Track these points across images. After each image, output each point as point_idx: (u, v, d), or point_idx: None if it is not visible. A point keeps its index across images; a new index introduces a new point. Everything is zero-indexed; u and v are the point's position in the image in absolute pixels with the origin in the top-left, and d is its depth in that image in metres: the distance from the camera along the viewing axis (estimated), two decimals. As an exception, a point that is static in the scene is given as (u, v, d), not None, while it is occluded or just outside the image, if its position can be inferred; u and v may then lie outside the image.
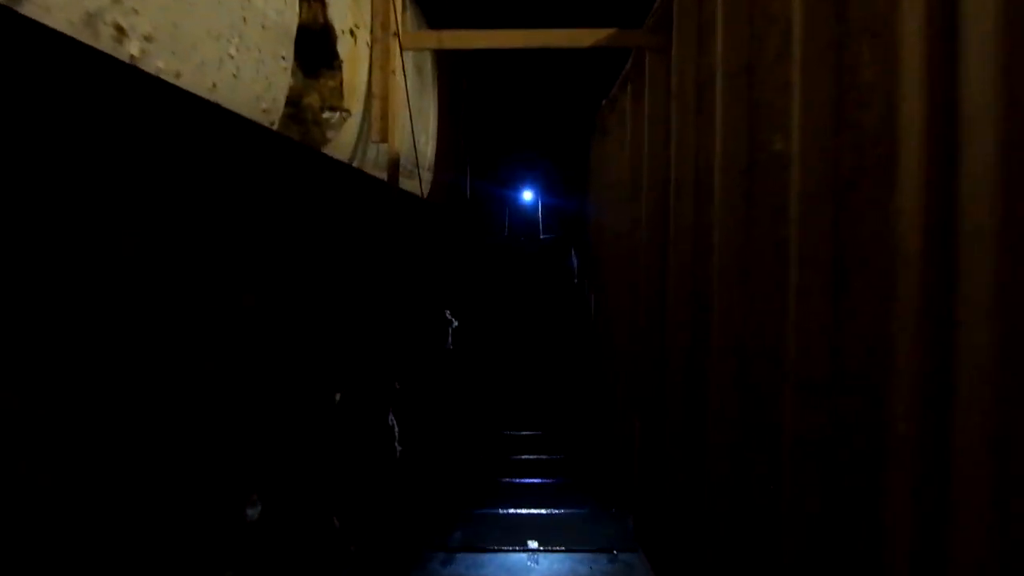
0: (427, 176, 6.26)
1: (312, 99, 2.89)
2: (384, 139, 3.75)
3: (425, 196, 6.33)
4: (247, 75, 2.33)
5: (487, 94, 9.02)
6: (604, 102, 6.14)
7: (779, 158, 2.15)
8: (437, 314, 6.00)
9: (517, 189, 10.49)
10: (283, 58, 2.63)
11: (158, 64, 1.84)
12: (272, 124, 2.63)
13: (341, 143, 3.43)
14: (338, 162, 3.20)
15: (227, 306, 1.89)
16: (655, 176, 3.78)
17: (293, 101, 2.84)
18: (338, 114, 3.20)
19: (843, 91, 1.73)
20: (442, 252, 6.86)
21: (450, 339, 6.13)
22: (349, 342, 2.96)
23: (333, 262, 2.98)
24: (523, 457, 5.61)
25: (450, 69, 7.18)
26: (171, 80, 1.92)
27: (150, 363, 1.46)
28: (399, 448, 3.84)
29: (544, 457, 5.61)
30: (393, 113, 3.75)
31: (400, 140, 4.42)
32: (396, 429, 3.85)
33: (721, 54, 2.50)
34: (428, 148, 6.23)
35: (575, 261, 9.41)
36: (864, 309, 1.62)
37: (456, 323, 6.23)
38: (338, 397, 2.63)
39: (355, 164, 3.81)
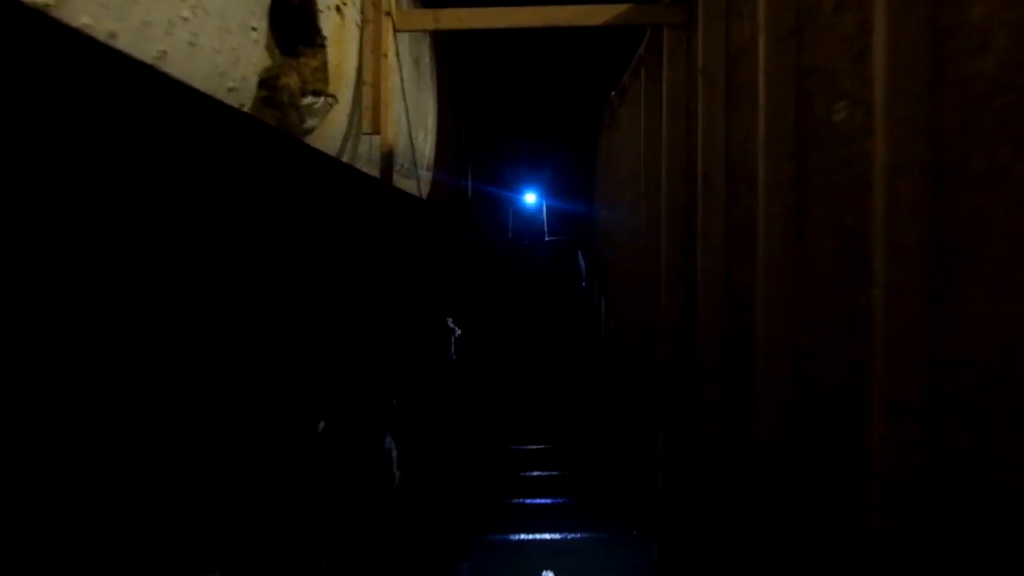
0: (426, 175, 5.92)
1: (290, 80, 2.54)
2: (376, 131, 3.40)
3: (424, 196, 5.99)
4: (207, 44, 1.97)
5: (488, 90, 8.68)
6: (613, 94, 5.80)
7: (841, 131, 1.79)
8: (438, 322, 5.63)
9: (520, 190, 10.14)
10: (253, 29, 2.28)
11: (83, 20, 1.49)
12: (242, 106, 2.28)
13: (327, 134, 3.08)
14: (322, 153, 2.85)
15: (174, 320, 1.54)
16: (675, 167, 3.42)
17: (268, 83, 2.49)
18: (322, 99, 2.84)
19: (942, 37, 1.37)
20: (443, 256, 6.50)
21: (453, 348, 5.78)
22: (336, 360, 2.60)
23: (316, 268, 2.62)
24: (532, 474, 5.24)
25: (449, 63, 6.85)
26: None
27: (61, 384, 1.11)
28: (397, 474, 3.48)
29: (555, 474, 5.24)
30: (386, 102, 3.40)
31: (395, 134, 4.07)
32: (394, 452, 3.49)
33: (764, 15, 2.15)
34: (427, 145, 5.88)
35: (583, 263, 9.05)
36: (981, 309, 1.25)
37: (459, 331, 5.87)
38: (322, 426, 2.27)
39: (345, 159, 3.46)
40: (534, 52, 8.00)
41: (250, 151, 2.19)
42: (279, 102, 2.44)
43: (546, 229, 10.03)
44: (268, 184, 2.28)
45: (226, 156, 2.02)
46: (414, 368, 4.61)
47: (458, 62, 7.33)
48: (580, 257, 9.33)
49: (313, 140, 2.93)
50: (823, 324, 1.85)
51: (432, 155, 6.08)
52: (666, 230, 3.46)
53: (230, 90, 2.18)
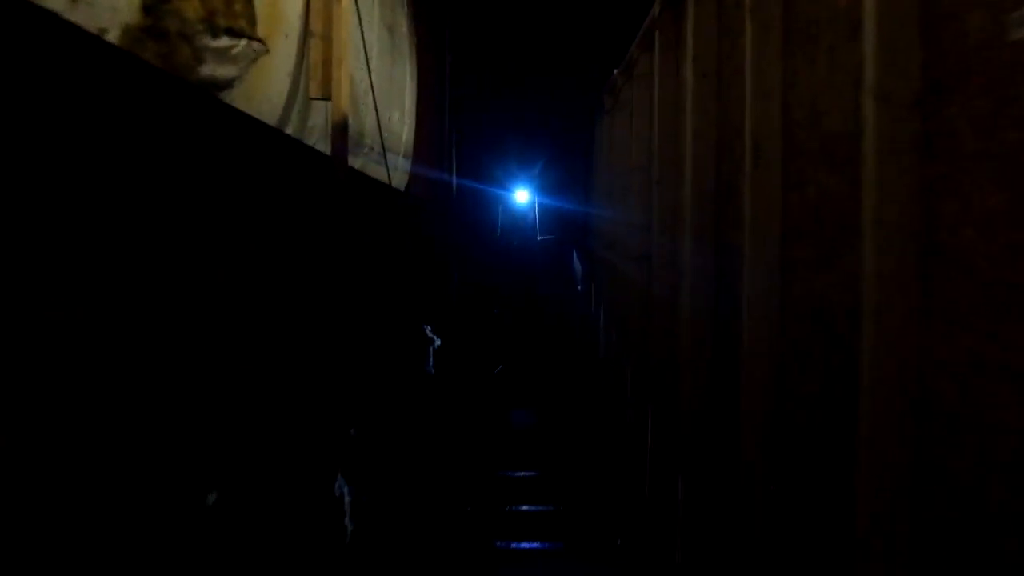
0: (403, 164, 5.20)
1: (186, 5, 1.81)
2: (327, 95, 2.68)
3: (402, 188, 5.27)
4: (12, -85, 1.25)
5: (475, 74, 7.95)
6: (616, 72, 5.10)
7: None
8: (414, 331, 4.92)
9: (510, 186, 9.41)
10: (116, -82, 1.56)
11: None
12: (103, 32, 1.55)
13: (257, 93, 2.36)
14: (225, 105, 2.11)
15: None
16: (704, 144, 2.73)
17: (154, 8, 1.77)
18: (243, 43, 2.13)
19: None
20: (422, 256, 5.79)
21: (431, 361, 5.06)
22: (248, 395, 1.90)
23: (216, 262, 1.90)
24: (522, 508, 4.54)
25: (431, 38, 6.13)
26: None
27: None
28: (350, 526, 2.76)
29: (548, 509, 4.54)
30: (339, 59, 2.68)
31: (353, 102, 3.36)
32: (347, 499, 2.77)
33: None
34: (404, 130, 5.16)
35: (578, 265, 8.35)
36: None
37: (439, 341, 5.16)
38: (213, 498, 1.55)
39: (289, 131, 2.74)
40: (525, 31, 7.30)
41: (92, 90, 1.46)
42: (165, 31, 1.71)
43: (538, 228, 9.32)
44: (132, 145, 1.55)
45: (46, 96, 1.30)
46: (381, 387, 3.89)
47: (440, 38, 6.61)
48: (575, 258, 8.62)
49: (234, 99, 2.20)
50: (999, 371, 1.16)
51: (410, 141, 5.35)
52: (691, 222, 2.76)
53: (74, 1, 1.46)
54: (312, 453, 2.63)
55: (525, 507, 4.57)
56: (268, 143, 2.32)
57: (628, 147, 4.65)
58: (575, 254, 8.64)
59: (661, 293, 3.44)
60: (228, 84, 2.11)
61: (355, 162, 3.91)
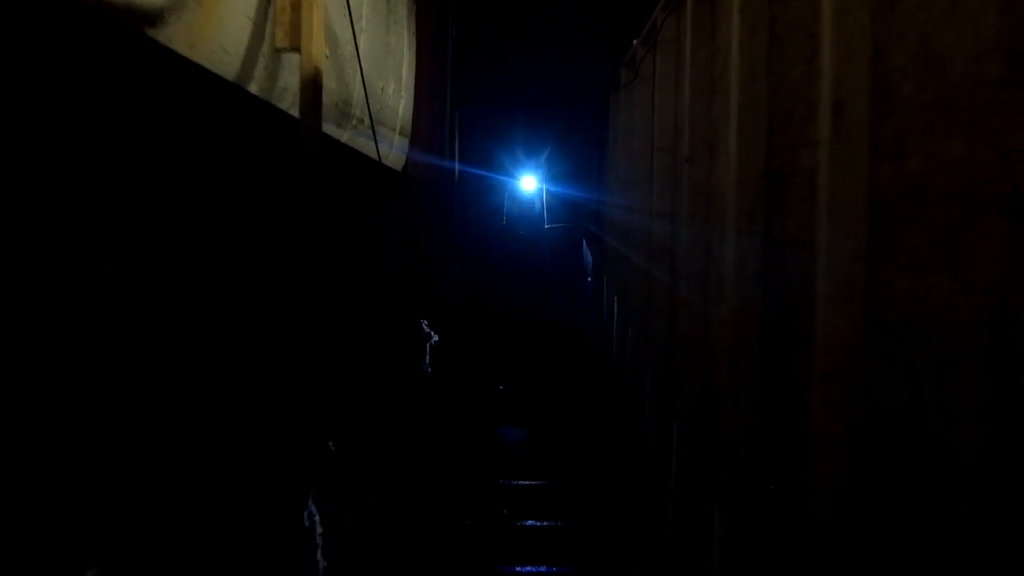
0: (399, 142, 4.73)
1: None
2: (295, 46, 2.22)
3: (399, 169, 4.80)
4: None
5: (479, 50, 7.45)
6: (635, 42, 4.61)
7: None
8: (409, 327, 4.47)
9: (516, 172, 8.92)
10: None
11: None
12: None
13: (201, 38, 1.90)
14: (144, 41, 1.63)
15: None
16: (752, 114, 2.25)
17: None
18: (177, -33, 1.66)
19: None
20: (419, 244, 5.33)
21: (428, 359, 4.61)
22: (184, 407, 1.45)
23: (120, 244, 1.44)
24: (527, 524, 4.10)
25: (433, 6, 5.64)
26: None
27: None
28: (323, 563, 2.32)
29: (556, 524, 4.11)
30: (311, 1, 2.21)
31: (341, 68, 2.89)
32: (319, 530, 2.33)
33: None
34: (400, 105, 4.69)
35: (588, 256, 7.88)
36: None
37: (436, 337, 4.70)
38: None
39: (253, 90, 2.28)
40: (534, 1, 6.80)
41: None
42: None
43: (545, 216, 8.84)
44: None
45: None
46: (369, 391, 3.45)
47: (443, 9, 6.12)
48: (585, 248, 8.15)
49: (171, 39, 1.74)
50: None
51: (408, 117, 4.88)
52: (734, 208, 2.29)
53: None
54: (273, 478, 2.18)
55: (530, 522, 4.13)
56: (212, 97, 1.85)
57: (649, 125, 4.16)
58: (585, 243, 8.18)
59: (690, 291, 2.98)
60: (156, 18, 1.65)
61: (341, 135, 3.45)
